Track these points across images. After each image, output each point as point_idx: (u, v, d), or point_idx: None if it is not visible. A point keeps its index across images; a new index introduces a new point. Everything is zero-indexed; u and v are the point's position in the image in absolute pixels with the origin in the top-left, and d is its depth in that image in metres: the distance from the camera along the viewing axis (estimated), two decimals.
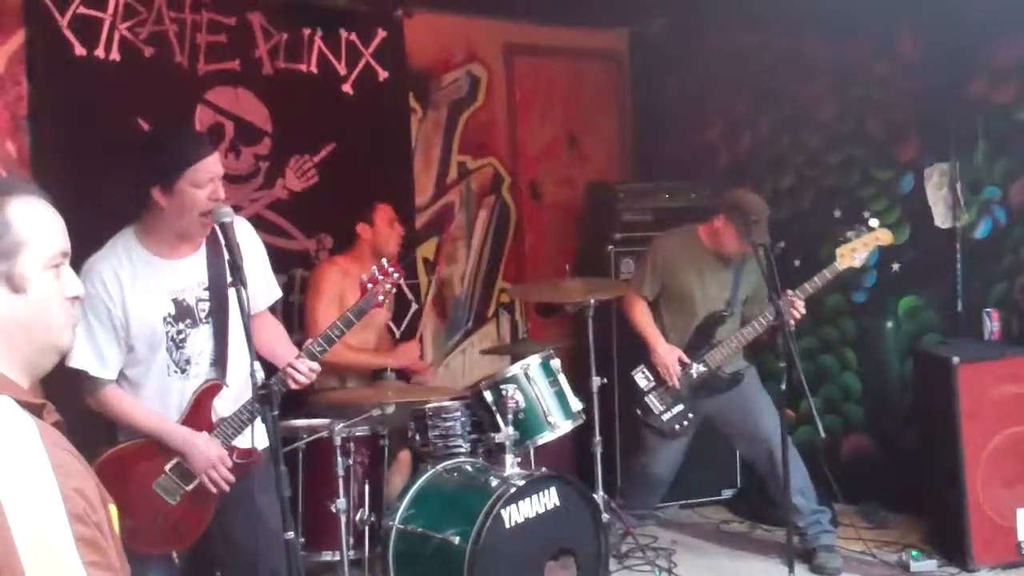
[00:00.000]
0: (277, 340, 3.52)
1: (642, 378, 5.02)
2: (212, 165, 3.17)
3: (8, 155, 4.44)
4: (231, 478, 3.25)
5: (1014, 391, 4.70)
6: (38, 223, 1.63)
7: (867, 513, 5.50)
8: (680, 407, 4.98)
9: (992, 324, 5.03)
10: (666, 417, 4.98)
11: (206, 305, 3.27)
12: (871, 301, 5.73)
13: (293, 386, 3.30)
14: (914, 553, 4.83)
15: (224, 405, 3.29)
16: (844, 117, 5.83)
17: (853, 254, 4.71)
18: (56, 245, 1.64)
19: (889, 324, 5.68)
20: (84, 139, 4.52)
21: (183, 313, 3.24)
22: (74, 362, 3.14)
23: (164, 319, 3.22)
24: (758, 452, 4.97)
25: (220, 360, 3.27)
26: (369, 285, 3.44)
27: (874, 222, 4.82)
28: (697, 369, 4.96)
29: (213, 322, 3.26)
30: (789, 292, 4.64)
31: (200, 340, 3.26)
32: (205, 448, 3.23)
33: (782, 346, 4.39)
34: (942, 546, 4.89)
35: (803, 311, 4.68)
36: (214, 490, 3.24)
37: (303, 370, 3.28)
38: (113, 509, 1.58)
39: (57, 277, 1.64)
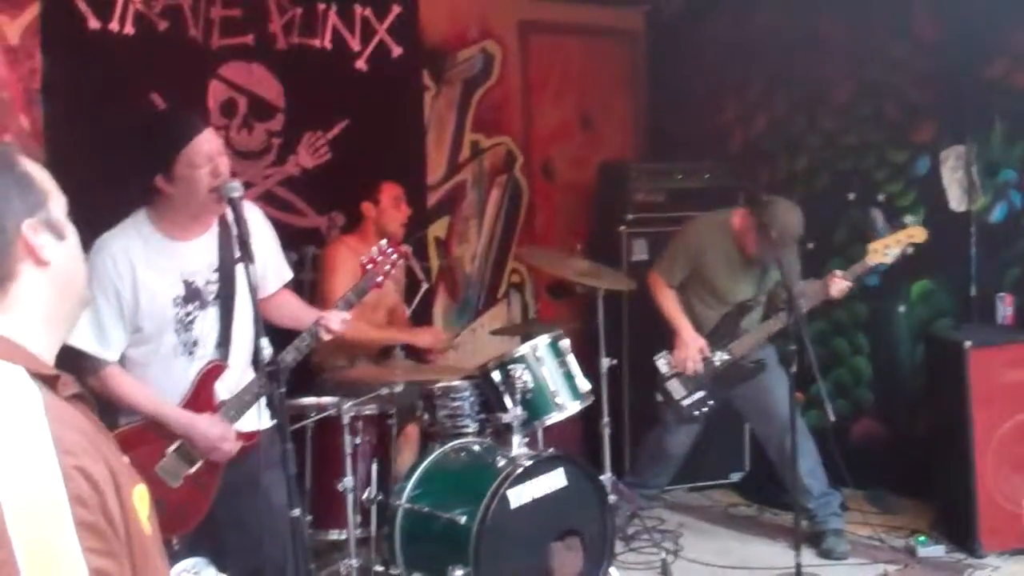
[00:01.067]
0: (298, 309, 3.57)
1: (664, 364, 5.01)
2: (205, 142, 3.14)
3: (22, 128, 4.46)
4: (235, 449, 3.26)
5: None
6: (47, 175, 1.59)
7: (875, 498, 5.49)
8: (701, 394, 4.97)
9: (1005, 309, 5.00)
10: (686, 403, 4.98)
11: (214, 287, 3.27)
12: (884, 285, 5.70)
13: (325, 337, 3.34)
14: (921, 539, 4.82)
15: (226, 387, 3.30)
16: (860, 99, 5.78)
17: (886, 250, 4.71)
18: (63, 195, 1.60)
19: (902, 308, 5.66)
20: (98, 113, 4.52)
21: (192, 295, 3.24)
22: (75, 340, 3.10)
23: (174, 300, 3.22)
24: (770, 429, 4.95)
25: (224, 341, 3.27)
26: (368, 266, 3.43)
27: (909, 219, 4.86)
28: (721, 358, 4.94)
29: (220, 303, 3.26)
30: (837, 272, 4.68)
31: (207, 322, 3.26)
32: (207, 429, 3.23)
33: (793, 329, 4.39)
34: (950, 532, 4.88)
35: (843, 291, 4.74)
36: (222, 462, 3.25)
37: (336, 319, 3.34)
38: (141, 490, 1.53)
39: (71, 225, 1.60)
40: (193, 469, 3.26)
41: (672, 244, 5.19)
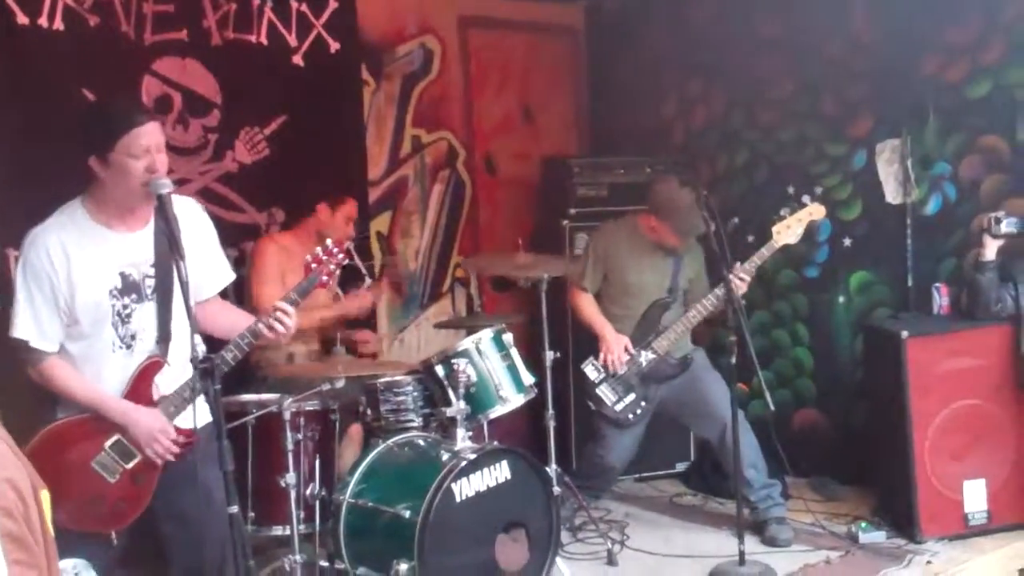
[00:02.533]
0: (237, 318, 3.48)
1: (592, 370, 5.02)
2: (148, 134, 3.07)
3: None
4: (175, 449, 3.21)
5: (961, 365, 4.74)
6: None
7: (818, 486, 5.56)
8: (632, 396, 4.99)
9: (941, 299, 5.08)
10: (619, 407, 4.99)
11: (152, 281, 3.21)
12: (823, 276, 5.78)
13: (280, 329, 3.26)
14: (863, 525, 4.88)
15: (166, 383, 3.25)
16: (798, 94, 5.85)
17: (788, 230, 4.79)
18: None
19: (841, 299, 5.73)
20: (28, 110, 4.44)
21: (129, 287, 3.19)
22: (16, 332, 3.11)
23: (110, 292, 3.16)
24: (711, 431, 5.00)
25: (164, 337, 3.23)
26: (313, 265, 3.39)
27: (806, 199, 5.01)
28: (646, 357, 4.98)
29: (158, 298, 3.21)
30: (736, 265, 4.69)
31: (146, 316, 3.21)
32: (146, 421, 3.18)
33: (732, 321, 4.43)
34: (891, 518, 4.95)
35: (747, 284, 4.74)
36: (159, 462, 3.21)
37: (290, 312, 3.27)
38: (45, 495, 1.53)
39: None
40: (131, 464, 3.20)
41: (583, 254, 5.31)
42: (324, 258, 3.39)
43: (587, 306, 5.13)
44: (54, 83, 4.53)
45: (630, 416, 4.99)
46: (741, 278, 4.70)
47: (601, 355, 4.99)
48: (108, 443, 3.19)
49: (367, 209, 5.73)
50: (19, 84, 4.45)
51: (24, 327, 3.11)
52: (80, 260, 3.12)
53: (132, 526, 3.26)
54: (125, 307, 3.18)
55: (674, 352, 5.01)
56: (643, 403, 5.00)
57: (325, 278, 3.42)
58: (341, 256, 3.44)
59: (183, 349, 3.20)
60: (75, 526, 3.11)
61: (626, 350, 4.97)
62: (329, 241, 3.47)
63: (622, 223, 5.19)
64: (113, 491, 3.19)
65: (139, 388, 3.22)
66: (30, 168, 4.13)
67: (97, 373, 3.20)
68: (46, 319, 3.12)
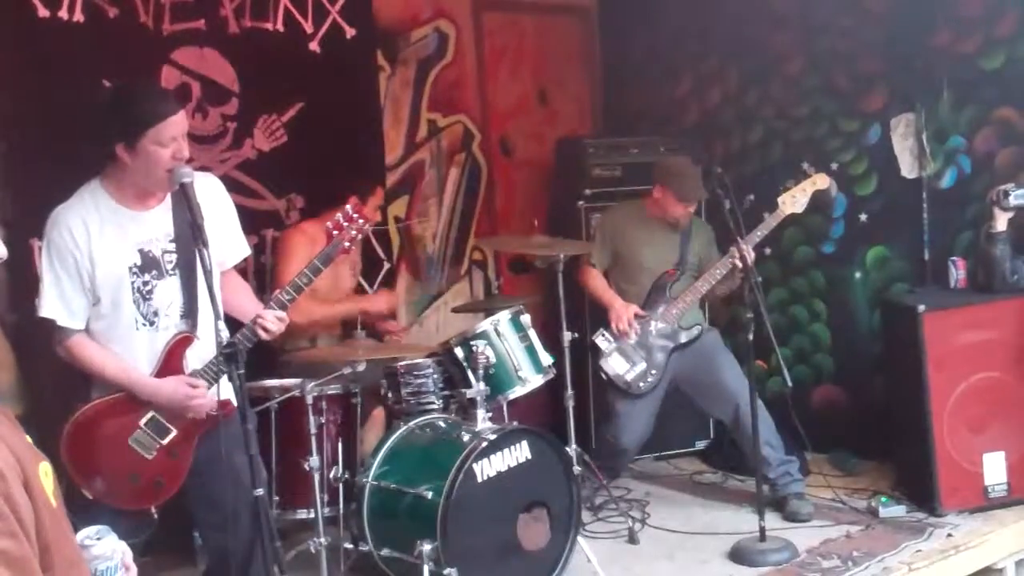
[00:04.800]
0: (243, 298, 3.54)
1: (603, 340, 5.07)
2: (177, 124, 3.14)
3: None
4: (211, 401, 3.24)
5: (979, 338, 4.74)
6: None
7: (837, 461, 5.58)
8: (643, 365, 5.03)
9: (958, 272, 5.07)
10: (630, 376, 5.03)
11: (172, 257, 3.26)
12: (839, 252, 5.79)
13: (264, 336, 3.29)
14: (883, 499, 4.90)
15: (196, 358, 3.29)
16: (811, 70, 5.85)
17: (793, 200, 4.86)
18: None
19: (857, 274, 5.74)
20: (50, 102, 4.48)
21: (149, 264, 3.24)
22: (43, 311, 3.18)
23: (130, 269, 3.21)
24: (723, 410, 5.04)
25: (190, 313, 3.27)
26: (335, 232, 3.40)
27: (810, 168, 5.09)
28: (656, 326, 5.03)
29: (180, 274, 3.25)
30: (742, 243, 4.69)
31: (168, 292, 3.26)
32: (172, 392, 3.23)
33: (749, 298, 4.46)
34: (911, 492, 4.96)
35: (752, 256, 4.72)
36: (202, 415, 3.25)
37: (271, 319, 3.27)
38: (45, 467, 1.59)
39: None
40: (167, 440, 3.26)
41: (593, 235, 5.41)
42: (345, 224, 3.40)
43: (595, 280, 5.22)
44: (75, 75, 4.57)
45: (641, 385, 5.03)
46: (742, 253, 4.66)
47: (612, 324, 5.03)
48: (143, 421, 3.25)
49: (384, 192, 5.76)
50: (41, 77, 4.49)
51: (51, 306, 3.18)
52: (99, 238, 3.19)
53: (171, 504, 3.33)
54: (145, 284, 3.23)
55: (683, 321, 5.05)
56: (653, 372, 5.03)
57: (347, 244, 3.41)
58: (363, 222, 3.43)
59: (211, 323, 3.23)
60: (117, 503, 3.21)
61: (636, 317, 5.02)
62: (349, 206, 3.46)
63: (630, 203, 5.32)
64: (151, 467, 3.26)
65: (170, 364, 3.27)
66: (53, 161, 4.18)
67: (125, 352, 3.25)
68: (72, 297, 3.19)
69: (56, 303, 3.18)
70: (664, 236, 5.13)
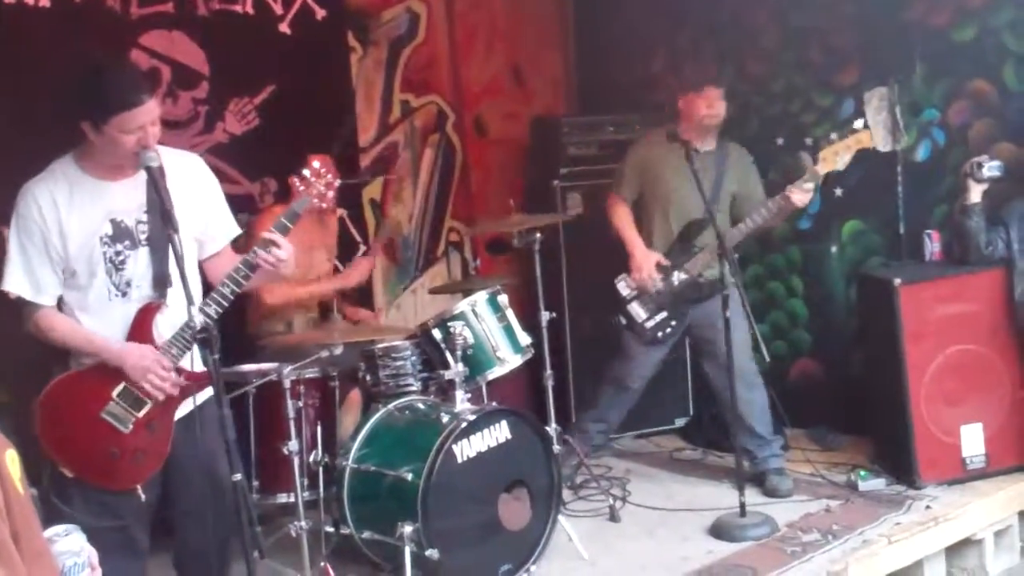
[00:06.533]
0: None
1: (624, 286, 5.00)
2: (145, 113, 3.08)
3: None
4: (177, 381, 3.20)
5: (955, 310, 4.76)
6: None
7: (816, 436, 5.59)
8: (663, 315, 4.97)
9: (933, 245, 5.09)
10: (649, 325, 4.97)
11: (145, 227, 3.22)
12: (816, 227, 5.79)
13: (265, 266, 3.20)
14: (862, 473, 4.92)
15: (167, 326, 3.24)
16: (786, 45, 5.84)
17: (836, 157, 4.64)
18: None
19: (834, 249, 5.75)
20: (17, 89, 4.43)
21: (121, 234, 3.20)
22: (8, 286, 3.14)
23: (101, 239, 3.17)
24: (717, 374, 4.92)
25: (160, 281, 3.22)
26: (301, 187, 3.33)
27: (858, 123, 4.66)
28: (678, 276, 4.93)
29: (152, 245, 3.21)
30: (788, 187, 4.65)
31: (140, 262, 3.21)
32: (139, 357, 3.17)
33: (726, 272, 4.46)
34: (890, 465, 4.99)
35: (805, 200, 4.68)
36: (160, 397, 3.19)
37: (276, 243, 3.19)
38: (12, 455, 1.57)
39: None
40: (142, 412, 3.20)
41: (621, 162, 5.21)
42: (312, 179, 3.33)
43: (621, 217, 5.07)
44: (42, 61, 4.51)
45: (659, 335, 4.98)
46: (805, 190, 4.64)
47: (633, 273, 4.96)
48: (116, 391, 3.18)
49: (358, 174, 5.75)
50: (7, 63, 4.44)
51: (16, 281, 3.14)
52: (69, 210, 3.14)
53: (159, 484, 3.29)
54: (118, 254, 3.19)
55: (706, 272, 4.91)
56: (673, 323, 4.97)
57: (316, 200, 3.34)
58: (331, 177, 3.35)
59: (182, 293, 3.17)
60: (99, 482, 3.16)
61: (657, 267, 4.94)
62: (317, 162, 3.40)
63: (656, 133, 5.09)
64: (129, 442, 3.19)
65: (139, 332, 3.21)
66: (21, 148, 4.13)
67: (99, 323, 3.20)
68: (39, 271, 3.15)
69: (22, 278, 3.14)
70: (692, 183, 4.77)
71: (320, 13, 5.57)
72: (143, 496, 3.23)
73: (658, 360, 5.17)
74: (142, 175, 3.18)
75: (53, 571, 1.68)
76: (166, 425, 3.25)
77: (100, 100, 3.07)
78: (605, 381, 5.30)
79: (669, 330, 4.99)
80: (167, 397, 3.21)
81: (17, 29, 4.52)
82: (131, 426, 3.20)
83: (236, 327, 3.32)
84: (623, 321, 5.03)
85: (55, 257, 3.15)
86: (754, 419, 4.94)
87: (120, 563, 3.10)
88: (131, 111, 3.05)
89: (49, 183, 3.17)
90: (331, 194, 3.39)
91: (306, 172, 3.34)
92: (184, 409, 3.28)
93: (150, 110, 3.10)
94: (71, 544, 1.83)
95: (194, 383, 3.22)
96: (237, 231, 3.54)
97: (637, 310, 4.99)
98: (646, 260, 4.95)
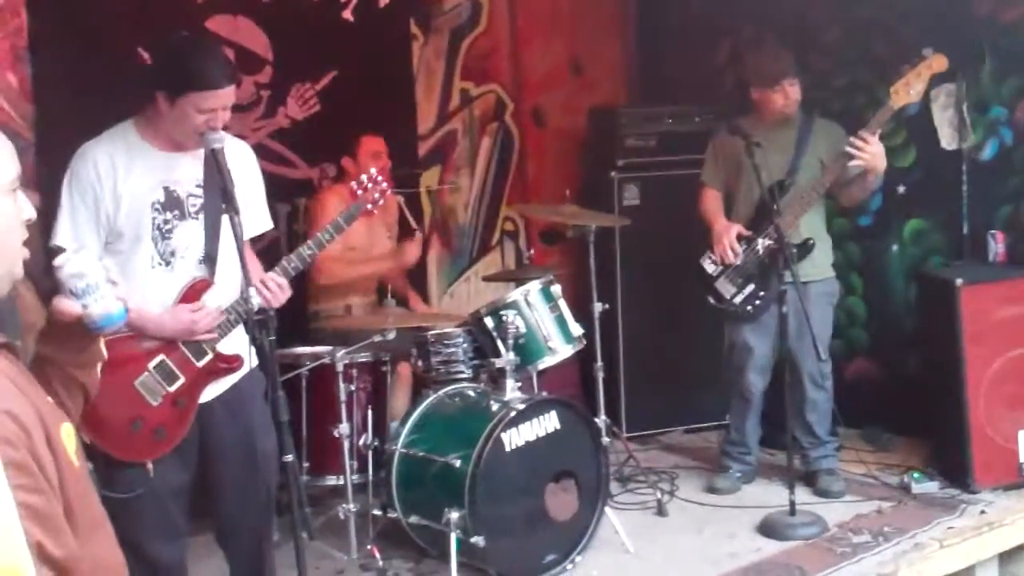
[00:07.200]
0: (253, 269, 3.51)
1: (710, 264, 4.92)
2: (221, 97, 3.12)
3: (9, 86, 4.46)
4: (216, 318, 3.22)
5: (1017, 313, 4.68)
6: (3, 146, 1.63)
7: (870, 436, 5.52)
8: (751, 286, 4.86)
9: (997, 246, 5.01)
10: (739, 299, 4.87)
11: (197, 201, 3.25)
12: (876, 225, 5.71)
13: (266, 297, 3.20)
14: (916, 475, 4.85)
15: (214, 304, 3.26)
16: (849, 39, 5.76)
17: (908, 89, 4.51)
18: (12, 170, 1.64)
19: (895, 248, 5.66)
20: (85, 69, 4.50)
21: (172, 203, 3.23)
22: (55, 239, 3.16)
23: (152, 205, 3.20)
24: (796, 355, 4.77)
25: (209, 258, 3.25)
26: (359, 192, 3.44)
27: (927, 51, 4.49)
28: (763, 243, 4.78)
29: (204, 219, 3.24)
30: (860, 132, 4.53)
31: (187, 234, 3.24)
32: (176, 322, 3.19)
33: (782, 269, 4.40)
34: (944, 468, 4.91)
35: (875, 148, 4.55)
36: (216, 336, 3.23)
37: (272, 287, 3.22)
38: (68, 428, 1.60)
39: (15, 201, 1.65)
40: (173, 387, 3.21)
41: (706, 153, 5.17)
42: (369, 186, 3.44)
43: (708, 200, 5.04)
44: (110, 42, 4.59)
45: (749, 308, 4.85)
46: (864, 139, 4.51)
47: (715, 246, 4.88)
48: (152, 364, 3.20)
49: (416, 162, 5.78)
50: (75, 46, 4.52)
51: (63, 235, 3.16)
52: (125, 173, 3.18)
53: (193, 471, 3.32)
54: (166, 222, 3.22)
55: (792, 237, 4.68)
56: (762, 293, 4.82)
57: (370, 206, 3.45)
58: (385, 185, 3.47)
59: (228, 274, 3.23)
60: (115, 451, 3.15)
61: (739, 238, 4.86)
62: (373, 169, 3.52)
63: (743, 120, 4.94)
64: (154, 414, 3.19)
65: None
66: (87, 126, 4.20)
67: (136, 291, 3.16)
68: (83, 229, 3.17)
69: (68, 232, 3.16)
70: (777, 137, 4.78)
71: (383, 1, 5.59)
72: (152, 473, 3.20)
73: (769, 346, 4.87)
74: (201, 153, 3.22)
75: (110, 539, 1.71)
76: (192, 404, 3.25)
77: (184, 73, 3.12)
78: (730, 395, 5.15)
79: (759, 302, 4.83)
80: (199, 376, 3.24)
81: (86, 11, 4.57)
82: (160, 399, 3.20)
83: (292, 304, 3.33)
84: (712, 301, 4.94)
85: (103, 219, 3.18)
86: (814, 418, 4.89)
87: (159, 546, 3.18)
88: (211, 91, 3.09)
89: (108, 145, 3.21)
90: (383, 201, 3.52)
91: (364, 178, 3.45)
92: (221, 387, 3.31)
93: (227, 96, 3.15)
94: (75, 267, 1.85)
95: (227, 365, 3.26)
96: (268, 226, 3.56)
97: (725, 286, 4.89)
98: (726, 231, 4.85)
